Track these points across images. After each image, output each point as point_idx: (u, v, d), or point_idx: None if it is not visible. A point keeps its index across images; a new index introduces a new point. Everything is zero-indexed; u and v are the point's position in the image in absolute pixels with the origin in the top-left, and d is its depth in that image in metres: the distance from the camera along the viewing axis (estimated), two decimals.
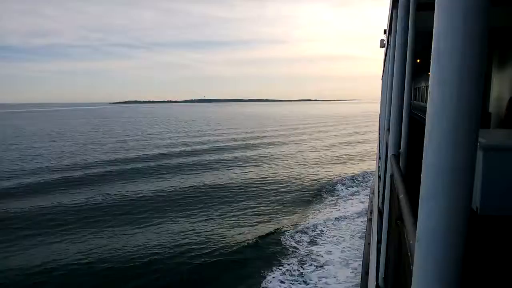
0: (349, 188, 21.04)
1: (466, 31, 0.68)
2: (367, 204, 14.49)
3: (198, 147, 38.20)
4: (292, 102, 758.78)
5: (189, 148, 37.56)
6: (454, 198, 0.73)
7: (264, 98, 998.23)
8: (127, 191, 20.66)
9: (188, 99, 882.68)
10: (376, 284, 3.37)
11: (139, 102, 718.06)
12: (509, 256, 2.68)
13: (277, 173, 25.29)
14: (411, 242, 1.20)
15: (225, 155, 32.80)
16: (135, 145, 40.76)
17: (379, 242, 3.97)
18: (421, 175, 0.78)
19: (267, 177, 23.85)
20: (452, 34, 0.70)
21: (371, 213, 9.54)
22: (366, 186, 21.06)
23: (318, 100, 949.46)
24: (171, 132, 57.39)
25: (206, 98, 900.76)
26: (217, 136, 50.11)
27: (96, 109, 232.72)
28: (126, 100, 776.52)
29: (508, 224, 3.34)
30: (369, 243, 7.18)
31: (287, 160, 30.66)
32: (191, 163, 29.36)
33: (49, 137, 49.03)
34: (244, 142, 42.83)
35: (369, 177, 22.78)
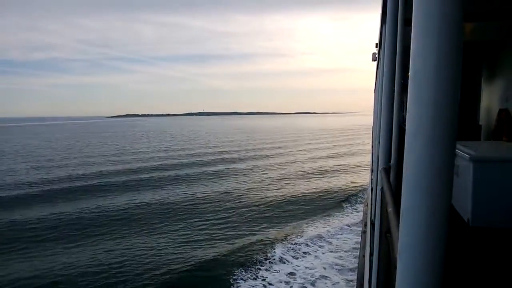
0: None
1: (440, 50, 0.70)
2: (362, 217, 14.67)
3: (172, 162, 37.67)
4: (291, 115, 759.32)
5: (159, 163, 36.86)
6: (433, 213, 0.74)
7: (263, 111, 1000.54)
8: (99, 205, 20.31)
9: (187, 112, 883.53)
10: None
11: (138, 115, 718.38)
12: (500, 267, 2.75)
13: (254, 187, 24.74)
14: (396, 256, 1.14)
15: (198, 169, 32.33)
16: (96, 161, 38.69)
17: (371, 254, 4.00)
18: (402, 191, 0.80)
19: (229, 192, 23.37)
20: (426, 53, 0.72)
21: (365, 225, 9.70)
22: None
23: (316, 113, 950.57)
24: (144, 148, 55.32)
25: (205, 111, 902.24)
26: (192, 151, 48.12)
27: (90, 122, 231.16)
28: (124, 113, 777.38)
29: (499, 236, 3.42)
30: (363, 256, 7.25)
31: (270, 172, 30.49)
32: (166, 177, 29.02)
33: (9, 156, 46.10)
34: (217, 157, 41.19)
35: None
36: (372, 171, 7.70)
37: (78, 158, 40.80)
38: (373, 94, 14.39)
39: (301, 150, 47.39)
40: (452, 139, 0.72)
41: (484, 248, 3.16)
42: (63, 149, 52.99)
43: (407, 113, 0.78)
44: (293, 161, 37.45)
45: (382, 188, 2.91)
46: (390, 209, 1.89)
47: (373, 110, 13.18)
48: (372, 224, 4.73)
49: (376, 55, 8.88)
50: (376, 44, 8.06)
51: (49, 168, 34.05)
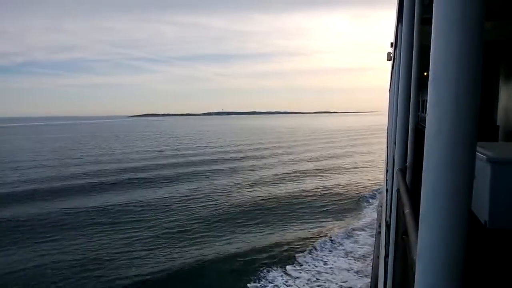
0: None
1: (461, 50, 0.70)
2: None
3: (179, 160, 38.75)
4: (310, 114, 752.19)
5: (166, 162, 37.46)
6: (453, 215, 0.75)
7: (282, 110, 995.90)
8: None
9: (206, 112, 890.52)
10: None
11: (158, 115, 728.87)
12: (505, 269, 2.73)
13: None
14: (414, 258, 1.22)
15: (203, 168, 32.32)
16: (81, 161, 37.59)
17: (386, 256, 3.97)
18: (421, 193, 0.81)
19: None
20: (446, 53, 0.71)
21: (379, 226, 9.69)
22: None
23: (336, 112, 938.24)
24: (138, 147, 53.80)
25: (224, 110, 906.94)
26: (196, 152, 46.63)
27: (109, 122, 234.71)
28: (144, 113, 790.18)
29: (507, 237, 3.39)
30: (377, 257, 7.32)
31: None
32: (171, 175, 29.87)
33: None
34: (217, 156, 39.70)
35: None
36: (387, 171, 7.60)
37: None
38: (388, 94, 14.10)
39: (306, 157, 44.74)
40: (473, 141, 0.72)
41: (502, 250, 3.12)
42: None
43: (427, 114, 0.78)
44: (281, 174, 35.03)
45: (398, 190, 2.87)
46: (407, 210, 1.88)
47: (388, 110, 13.01)
48: (388, 225, 4.72)
49: (391, 55, 8.91)
50: (392, 43, 8.05)
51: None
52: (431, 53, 0.75)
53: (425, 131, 0.79)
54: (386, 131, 17.82)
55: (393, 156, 3.98)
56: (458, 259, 0.76)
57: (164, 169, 32.97)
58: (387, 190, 6.02)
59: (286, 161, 38.29)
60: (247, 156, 42.39)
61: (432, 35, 0.75)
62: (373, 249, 10.90)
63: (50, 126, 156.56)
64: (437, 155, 0.74)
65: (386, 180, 7.13)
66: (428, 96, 0.77)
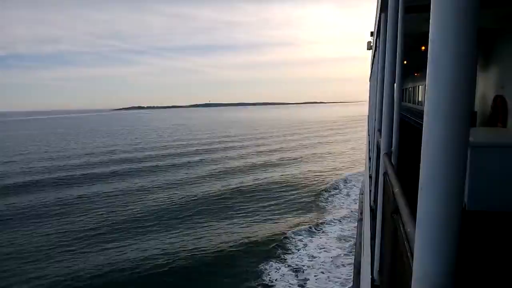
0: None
1: (459, 32, 0.76)
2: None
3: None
4: (298, 105, 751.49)
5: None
6: (450, 186, 0.82)
7: (270, 102, 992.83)
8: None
9: (193, 104, 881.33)
10: (371, 278, 3.49)
11: (143, 107, 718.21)
12: (495, 250, 2.94)
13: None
14: (408, 230, 1.33)
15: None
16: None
17: (372, 238, 4.07)
18: (420, 166, 0.88)
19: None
20: (446, 36, 0.77)
21: (361, 213, 9.89)
22: None
23: (323, 102, 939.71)
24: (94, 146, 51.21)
25: (211, 102, 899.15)
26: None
27: (86, 116, 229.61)
28: (129, 106, 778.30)
29: (495, 219, 3.62)
30: (360, 243, 7.51)
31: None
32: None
33: None
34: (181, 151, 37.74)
35: None
36: (370, 159, 7.76)
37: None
38: (368, 83, 14.34)
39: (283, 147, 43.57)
40: (468, 116, 0.79)
41: (480, 231, 3.28)
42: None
43: (426, 94, 0.84)
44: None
45: (385, 172, 2.94)
46: (396, 189, 1.94)
47: (368, 99, 13.13)
48: (372, 209, 4.87)
49: (372, 44, 9.18)
50: (372, 32, 8.19)
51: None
52: (430, 36, 0.80)
53: (424, 109, 0.85)
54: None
55: (378, 142, 4.15)
56: (455, 226, 0.83)
57: (110, 166, 32.81)
58: (370, 176, 6.22)
59: (246, 156, 36.60)
60: (211, 151, 41.68)
61: (431, 18, 0.80)
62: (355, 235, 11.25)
63: (24, 122, 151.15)
64: (436, 130, 0.81)
65: (369, 167, 7.31)
66: (427, 76, 0.83)
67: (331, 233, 15.43)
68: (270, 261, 12.98)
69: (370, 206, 5.37)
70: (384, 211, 3.05)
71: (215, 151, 42.13)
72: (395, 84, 3.24)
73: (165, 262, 13.01)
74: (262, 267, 12.52)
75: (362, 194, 12.28)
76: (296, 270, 12.34)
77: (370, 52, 12.32)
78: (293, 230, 15.72)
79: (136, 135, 67.58)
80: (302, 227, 16.21)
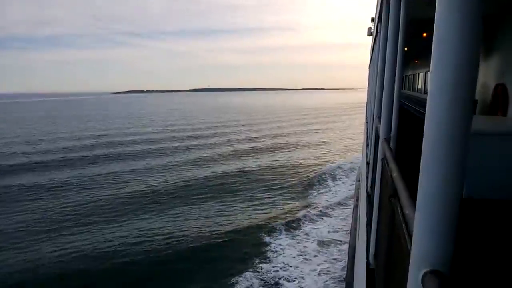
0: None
1: (464, 17, 0.77)
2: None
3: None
4: (298, 91, 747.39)
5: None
6: (451, 166, 0.83)
7: (269, 87, 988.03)
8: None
9: (192, 88, 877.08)
10: (366, 262, 3.53)
11: (142, 91, 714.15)
12: (494, 237, 2.96)
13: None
14: (407, 212, 1.37)
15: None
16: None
17: (368, 223, 4.15)
18: (422, 148, 0.89)
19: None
20: (451, 21, 0.79)
21: (357, 199, 9.91)
22: None
23: (323, 89, 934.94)
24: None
25: (210, 87, 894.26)
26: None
27: (85, 99, 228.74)
28: (129, 89, 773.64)
29: (494, 207, 3.67)
30: (355, 229, 7.54)
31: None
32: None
33: None
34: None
35: None
36: (367, 145, 7.80)
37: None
38: (368, 69, 14.34)
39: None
40: (471, 103, 0.81)
41: (477, 219, 3.28)
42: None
43: (430, 79, 0.85)
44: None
45: (383, 158, 3.00)
46: (395, 173, 1.96)
47: (367, 86, 13.17)
48: (369, 195, 4.94)
49: (372, 30, 9.50)
50: (372, 18, 8.82)
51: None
52: (435, 19, 0.82)
53: (428, 91, 0.86)
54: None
55: (376, 129, 4.15)
56: (454, 204, 0.84)
57: (100, 150, 32.46)
58: (367, 163, 6.34)
59: (237, 144, 35.56)
60: (206, 137, 41.10)
61: (437, 4, 0.82)
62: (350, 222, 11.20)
63: (20, 104, 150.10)
64: (440, 111, 0.82)
65: (367, 153, 7.43)
66: (432, 58, 0.84)
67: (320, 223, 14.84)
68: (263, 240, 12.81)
69: (367, 192, 5.53)
70: (382, 196, 3.11)
71: (211, 136, 41.58)
72: (396, 71, 3.22)
73: (140, 246, 12.80)
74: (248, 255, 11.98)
75: (359, 181, 12.40)
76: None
77: (370, 39, 12.42)
78: (285, 216, 15.34)
79: (130, 120, 66.55)
80: (294, 213, 15.82)
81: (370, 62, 12.35)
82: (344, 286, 8.10)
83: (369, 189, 5.24)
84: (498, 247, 2.79)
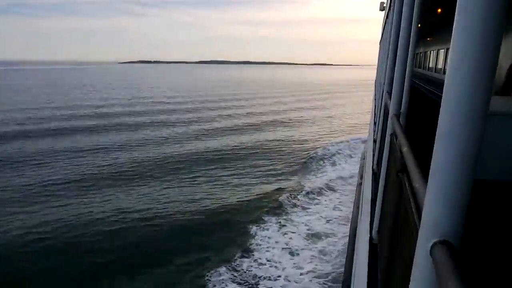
0: None
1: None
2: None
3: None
4: (307, 65, 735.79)
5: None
6: (467, 138, 0.83)
7: (277, 61, 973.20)
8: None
9: (199, 60, 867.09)
10: (369, 238, 3.51)
11: (149, 62, 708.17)
12: (506, 218, 2.94)
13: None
14: (416, 186, 1.35)
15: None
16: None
17: (373, 200, 4.18)
18: (439, 116, 0.88)
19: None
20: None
21: (361, 177, 9.97)
22: None
23: (332, 65, 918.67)
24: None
25: (217, 59, 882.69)
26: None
27: (89, 68, 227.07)
28: (136, 60, 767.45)
29: (504, 189, 3.64)
30: (358, 207, 7.59)
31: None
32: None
33: None
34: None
35: None
36: (375, 123, 7.87)
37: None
38: (379, 45, 13.95)
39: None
40: (493, 75, 0.80)
41: (491, 200, 3.24)
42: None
43: (449, 55, 0.85)
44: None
45: (393, 133, 3.01)
46: (405, 148, 1.95)
47: (378, 62, 12.96)
48: (375, 173, 4.96)
49: (385, 5, 9.55)
50: None
51: None
52: None
53: (449, 58, 0.85)
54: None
55: (386, 105, 4.17)
56: (469, 178, 0.84)
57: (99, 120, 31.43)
58: (374, 141, 6.31)
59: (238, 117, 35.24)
60: (209, 109, 40.77)
61: None
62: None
63: (24, 72, 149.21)
64: (460, 79, 0.81)
65: (374, 131, 7.38)
66: (455, 24, 0.82)
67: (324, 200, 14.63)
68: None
69: (373, 169, 5.46)
70: (389, 171, 3.09)
71: (210, 109, 41.21)
72: (409, 47, 3.17)
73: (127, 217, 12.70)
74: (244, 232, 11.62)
75: (364, 159, 12.25)
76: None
77: (382, 14, 11.94)
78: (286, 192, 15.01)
79: (132, 90, 66.14)
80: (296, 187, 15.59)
81: (382, 38, 12.15)
82: (343, 261, 8.02)
83: (375, 166, 5.24)
84: (509, 228, 2.78)
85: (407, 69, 3.23)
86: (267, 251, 10.51)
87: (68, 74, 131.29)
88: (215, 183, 16.56)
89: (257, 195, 15.03)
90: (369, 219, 3.99)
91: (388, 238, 2.46)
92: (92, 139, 25.10)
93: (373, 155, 6.06)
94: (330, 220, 12.78)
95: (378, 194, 3.43)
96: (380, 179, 3.41)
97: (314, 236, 11.55)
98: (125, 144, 23.88)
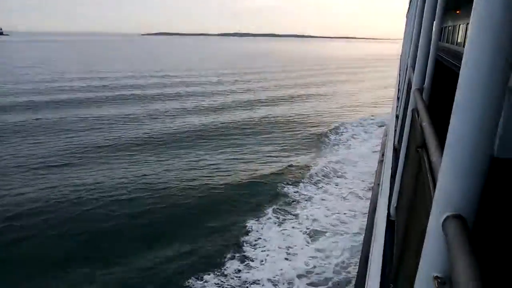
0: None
1: None
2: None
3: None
4: (332, 39, 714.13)
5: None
6: (484, 111, 0.82)
7: (301, 34, 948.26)
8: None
9: (221, 32, 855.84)
10: (387, 213, 3.54)
11: (170, 34, 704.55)
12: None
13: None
14: (434, 160, 1.35)
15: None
16: None
17: (392, 176, 4.17)
18: (457, 88, 0.88)
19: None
20: None
21: (382, 155, 9.99)
22: None
23: (358, 38, 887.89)
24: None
25: (240, 32, 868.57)
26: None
27: (109, 40, 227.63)
28: (158, 31, 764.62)
29: None
30: (378, 184, 7.64)
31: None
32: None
33: None
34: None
35: None
36: (398, 99, 7.77)
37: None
38: (405, 18, 13.65)
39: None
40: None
41: (505, 178, 2.78)
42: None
43: (471, 20, 0.84)
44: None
45: (414, 108, 2.95)
46: (425, 123, 1.93)
47: (404, 35, 12.58)
48: (395, 149, 4.98)
49: None
50: None
51: None
52: None
53: (469, 27, 0.84)
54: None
55: (409, 79, 4.08)
56: (487, 148, 0.83)
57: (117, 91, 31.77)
58: (397, 116, 6.25)
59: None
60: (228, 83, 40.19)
61: None
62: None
63: (44, 43, 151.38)
64: (480, 49, 0.80)
65: (397, 106, 7.22)
66: (473, 12, 0.82)
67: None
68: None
69: (394, 146, 5.42)
70: (409, 147, 3.06)
71: (232, 83, 41.24)
72: (435, 19, 3.09)
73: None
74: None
75: (386, 136, 12.25)
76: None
77: None
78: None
79: (153, 62, 66.45)
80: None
81: (408, 9, 11.81)
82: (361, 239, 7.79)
83: (396, 142, 5.17)
84: None
85: (431, 43, 3.18)
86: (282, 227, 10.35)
87: (107, 46, 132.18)
88: (225, 157, 16.30)
89: (271, 168, 14.80)
90: (387, 196, 4.02)
91: (405, 214, 2.44)
92: (135, 108, 26.19)
93: (395, 131, 5.94)
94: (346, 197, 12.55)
95: (398, 170, 3.40)
96: (400, 155, 3.39)
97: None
98: (140, 116, 24.11)
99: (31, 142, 17.46)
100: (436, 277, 0.90)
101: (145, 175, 13.85)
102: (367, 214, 8.15)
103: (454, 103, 0.87)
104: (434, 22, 3.19)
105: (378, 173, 9.56)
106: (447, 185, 0.87)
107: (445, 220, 0.87)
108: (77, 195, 11.97)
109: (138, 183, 13.09)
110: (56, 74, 43.66)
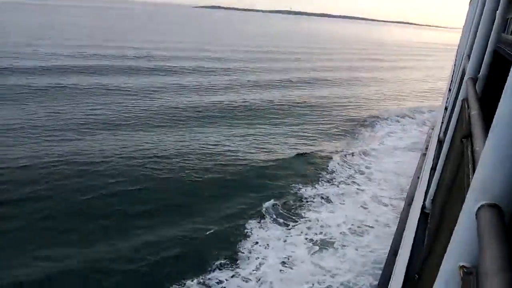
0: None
1: None
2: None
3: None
4: (387, 23, 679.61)
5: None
6: None
7: (356, 16, 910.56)
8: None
9: (273, 9, 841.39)
10: (422, 206, 3.53)
11: (222, 7, 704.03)
12: None
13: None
14: (477, 149, 1.33)
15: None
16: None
17: (433, 168, 4.08)
18: (508, 76, 0.86)
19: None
20: None
21: (426, 148, 10.05)
22: None
23: (416, 24, 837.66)
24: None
25: (292, 9, 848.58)
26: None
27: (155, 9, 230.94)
28: (210, 5, 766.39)
29: None
30: (418, 177, 7.67)
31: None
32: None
33: None
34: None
35: None
36: (449, 90, 7.63)
37: None
38: (468, 6, 13.59)
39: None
40: None
41: None
42: None
43: None
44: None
45: (465, 99, 2.83)
46: (474, 112, 1.88)
47: (464, 23, 12.49)
48: (440, 141, 5.07)
49: None
50: None
51: None
52: None
53: None
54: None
55: (463, 69, 3.97)
56: None
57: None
58: (446, 108, 6.17)
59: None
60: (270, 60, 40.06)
61: None
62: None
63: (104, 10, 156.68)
64: None
65: (448, 98, 7.12)
66: None
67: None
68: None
69: (439, 138, 5.31)
70: (454, 138, 3.00)
71: (274, 61, 41.18)
72: (498, 7, 3.00)
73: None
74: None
75: (432, 128, 12.00)
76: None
77: None
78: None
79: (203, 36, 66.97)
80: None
81: None
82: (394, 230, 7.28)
83: (441, 134, 5.09)
84: None
85: (492, 32, 3.04)
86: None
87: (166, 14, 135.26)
88: (254, 135, 16.45)
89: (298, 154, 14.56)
90: (425, 189, 3.90)
91: (441, 205, 2.39)
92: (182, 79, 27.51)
93: (442, 123, 5.82)
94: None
95: (439, 162, 3.29)
96: (444, 147, 3.27)
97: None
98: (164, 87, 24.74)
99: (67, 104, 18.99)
100: (462, 267, 0.87)
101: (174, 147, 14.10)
102: (402, 207, 7.55)
103: (504, 90, 0.84)
104: (497, 11, 3.04)
105: (419, 166, 9.32)
106: (486, 173, 0.83)
107: (479, 208, 0.84)
108: (86, 167, 11.87)
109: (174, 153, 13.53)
110: (115, 40, 46.09)
